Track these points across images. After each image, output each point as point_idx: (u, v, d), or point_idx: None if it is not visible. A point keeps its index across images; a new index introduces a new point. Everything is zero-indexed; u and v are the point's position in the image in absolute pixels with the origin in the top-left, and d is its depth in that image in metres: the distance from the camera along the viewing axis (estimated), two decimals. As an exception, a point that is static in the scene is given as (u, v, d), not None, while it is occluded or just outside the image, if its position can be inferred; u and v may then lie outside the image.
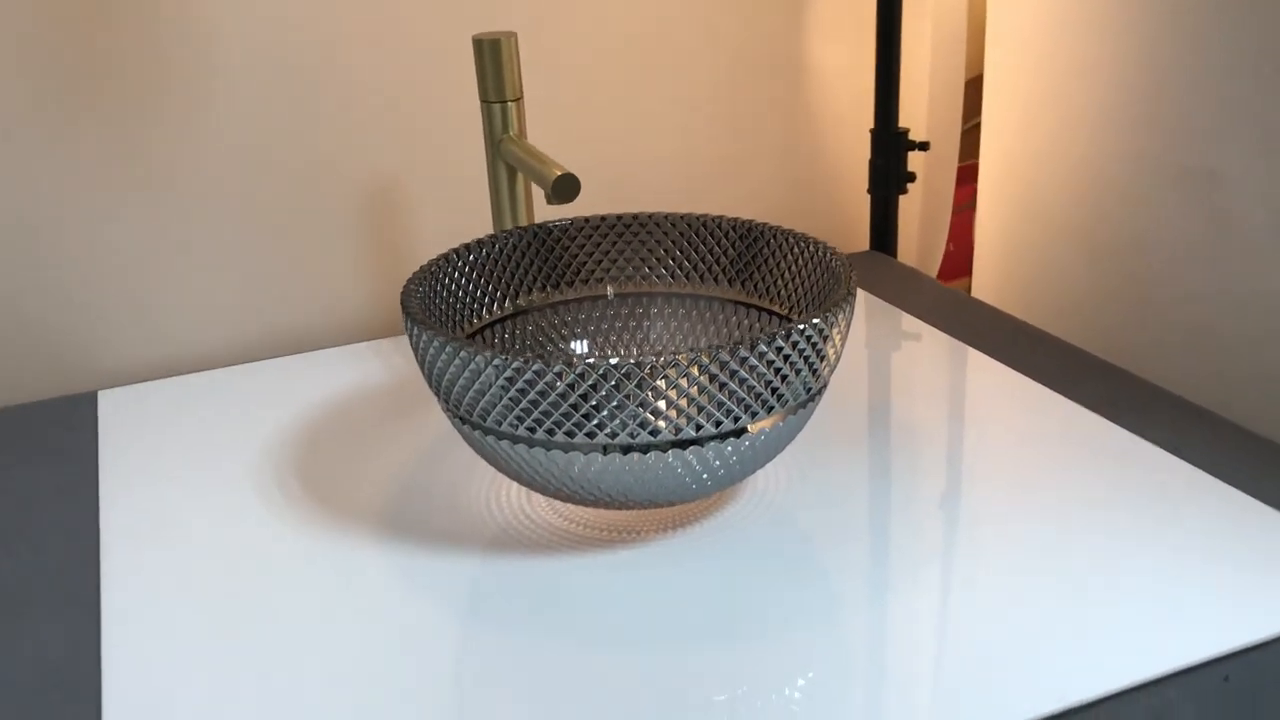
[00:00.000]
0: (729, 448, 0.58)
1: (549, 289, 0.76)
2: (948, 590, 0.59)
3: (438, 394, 0.61)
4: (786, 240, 0.71)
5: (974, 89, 1.08)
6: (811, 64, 1.05)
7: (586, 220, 0.76)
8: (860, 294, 0.98)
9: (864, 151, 1.08)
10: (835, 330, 0.59)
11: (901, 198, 1.08)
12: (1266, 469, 0.69)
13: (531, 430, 0.57)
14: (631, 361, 0.54)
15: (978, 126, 1.08)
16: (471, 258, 0.72)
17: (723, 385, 0.56)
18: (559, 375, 0.55)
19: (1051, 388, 0.79)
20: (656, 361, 0.54)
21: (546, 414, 0.56)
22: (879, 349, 0.89)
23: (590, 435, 0.56)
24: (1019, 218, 1.01)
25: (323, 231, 0.92)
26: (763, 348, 0.56)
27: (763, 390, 0.57)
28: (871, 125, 1.06)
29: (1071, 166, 0.94)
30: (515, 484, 0.70)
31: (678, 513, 0.67)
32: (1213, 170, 0.80)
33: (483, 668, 0.55)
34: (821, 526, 0.65)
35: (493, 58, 0.77)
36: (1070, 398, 0.77)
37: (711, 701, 0.52)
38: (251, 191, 0.89)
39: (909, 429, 0.76)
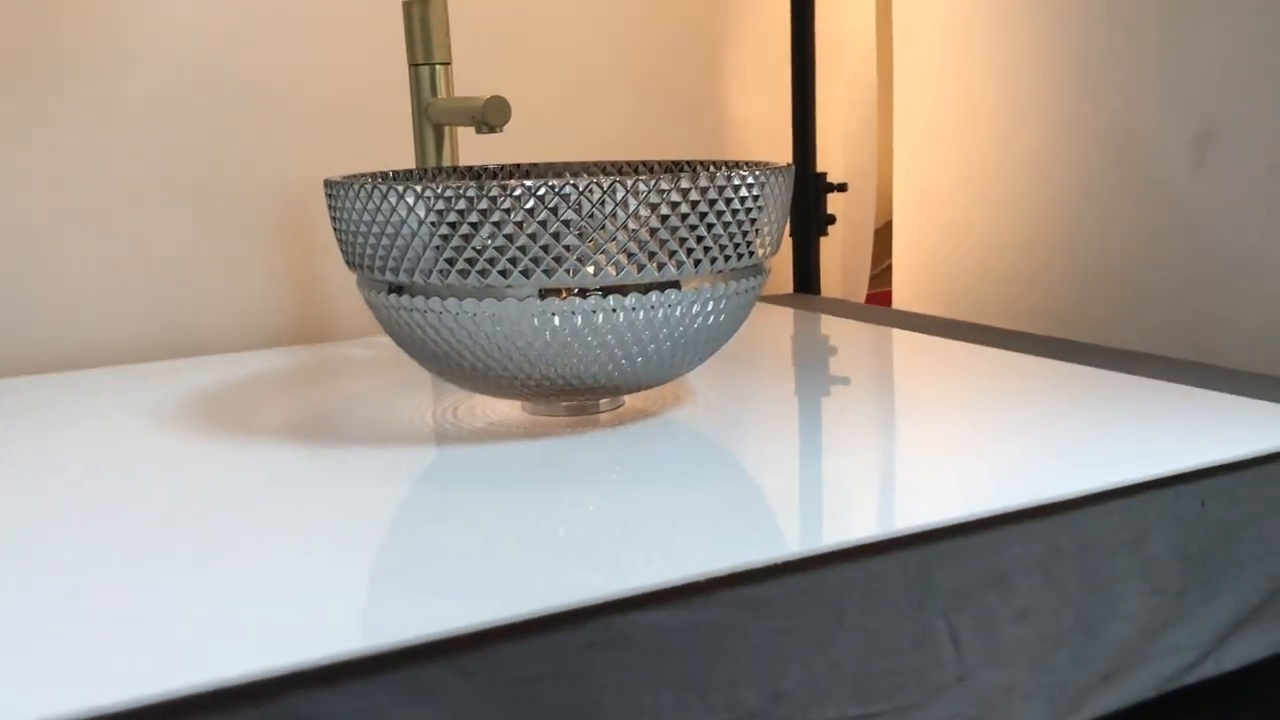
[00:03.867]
0: (667, 301, 0.55)
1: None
2: (918, 423, 0.56)
3: (361, 263, 0.58)
4: (713, 168, 0.70)
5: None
6: (729, 111, 1.08)
7: (518, 166, 0.75)
8: (788, 310, 0.98)
9: (784, 197, 1.10)
10: (773, 192, 0.58)
11: (822, 240, 1.09)
12: (1222, 379, 0.68)
13: (463, 274, 0.54)
14: (570, 183, 0.52)
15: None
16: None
17: (664, 219, 0.54)
18: (493, 201, 0.52)
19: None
20: (598, 182, 0.52)
21: (479, 251, 0.53)
22: (807, 340, 0.87)
23: (525, 274, 0.53)
24: (934, 227, 1.03)
25: (237, 229, 0.89)
26: (704, 183, 0.54)
27: (704, 234, 0.55)
28: (790, 170, 1.08)
29: (981, 170, 0.97)
30: (438, 407, 0.66)
31: (609, 417, 0.63)
32: (1132, 128, 0.83)
33: (418, 513, 0.50)
34: (755, 428, 0.62)
35: (422, 20, 0.77)
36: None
37: (644, 530, 0.47)
38: (163, 183, 0.86)
39: (840, 383, 0.74)
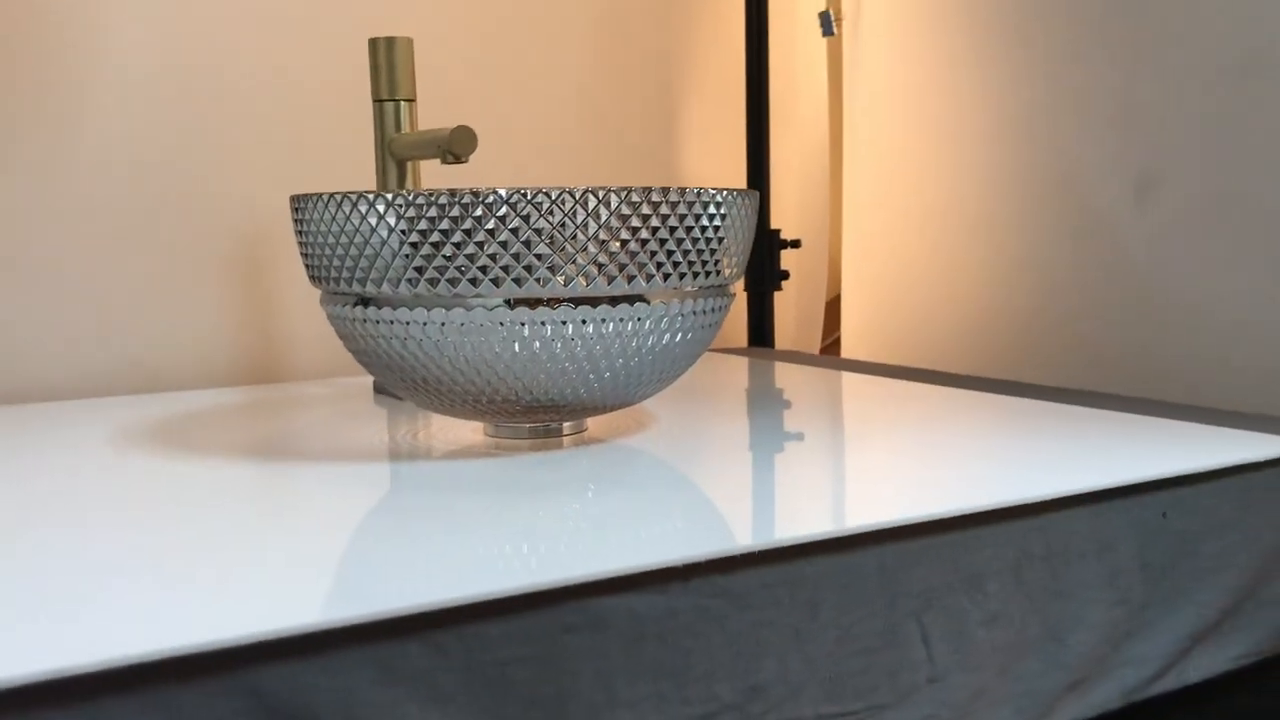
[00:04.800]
0: (635, 315, 0.56)
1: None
2: (870, 438, 0.57)
3: (328, 276, 0.58)
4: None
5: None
6: (685, 170, 1.10)
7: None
8: (743, 359, 0.98)
9: (738, 252, 1.11)
10: (738, 213, 0.59)
11: (776, 294, 1.10)
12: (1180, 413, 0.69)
13: (433, 282, 0.54)
14: (542, 191, 0.53)
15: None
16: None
17: (635, 230, 0.54)
18: (466, 208, 0.53)
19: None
20: (570, 191, 0.53)
21: (449, 259, 0.53)
22: (763, 380, 0.88)
23: (496, 282, 0.53)
24: (883, 279, 1.05)
25: (195, 267, 0.88)
26: (674, 197, 0.55)
27: (674, 248, 0.55)
28: (745, 227, 1.10)
29: (927, 220, 0.99)
30: (398, 432, 0.66)
31: (572, 441, 0.63)
32: (1075, 175, 0.86)
33: (393, 508, 0.49)
34: (718, 449, 0.62)
35: (388, 56, 0.78)
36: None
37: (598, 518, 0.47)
38: (120, 219, 0.85)
39: (800, 412, 0.74)
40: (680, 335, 0.59)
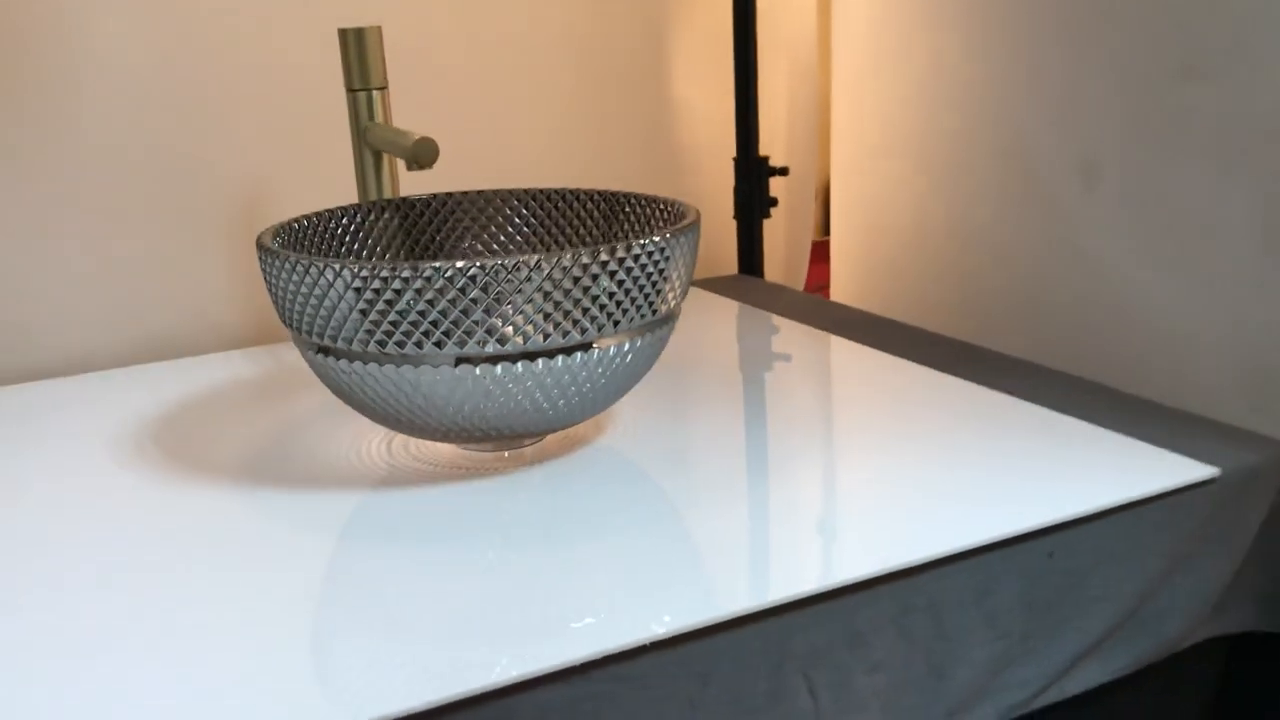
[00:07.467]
0: (578, 362, 0.60)
1: (412, 260, 0.78)
2: (798, 478, 0.62)
3: (293, 324, 0.62)
4: (646, 205, 0.74)
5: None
6: (674, 97, 1.11)
7: (449, 195, 0.79)
8: (731, 301, 1.02)
9: (728, 179, 1.13)
10: (678, 252, 0.62)
11: (765, 222, 1.13)
12: (1089, 401, 0.72)
13: (381, 344, 0.58)
14: (476, 265, 0.57)
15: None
16: (333, 224, 0.74)
17: (567, 293, 0.58)
18: (406, 280, 0.57)
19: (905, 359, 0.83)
20: (503, 263, 0.57)
21: (395, 323, 0.58)
22: (749, 339, 0.92)
23: (439, 345, 0.58)
24: (869, 230, 1.07)
25: (194, 234, 0.93)
26: (604, 257, 0.58)
27: (607, 302, 0.59)
28: (733, 154, 1.11)
29: (900, 173, 1.00)
30: (376, 438, 0.71)
31: (537, 451, 0.68)
32: (1027, 151, 0.87)
33: (342, 583, 0.56)
34: (688, 455, 0.67)
35: (358, 46, 0.80)
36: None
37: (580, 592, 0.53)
38: (119, 192, 0.90)
39: (777, 390, 0.79)
40: (627, 360, 0.63)
